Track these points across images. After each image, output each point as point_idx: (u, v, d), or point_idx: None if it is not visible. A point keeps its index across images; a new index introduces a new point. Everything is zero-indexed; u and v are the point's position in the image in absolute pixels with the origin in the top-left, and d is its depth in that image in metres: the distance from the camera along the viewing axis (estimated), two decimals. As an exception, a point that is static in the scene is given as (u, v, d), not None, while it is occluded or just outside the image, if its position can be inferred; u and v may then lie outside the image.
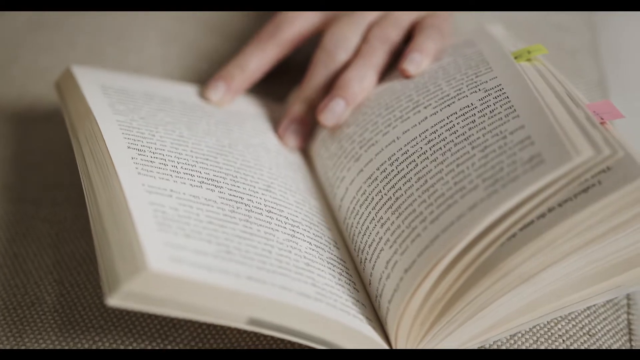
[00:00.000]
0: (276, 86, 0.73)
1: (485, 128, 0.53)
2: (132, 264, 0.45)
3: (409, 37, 0.68)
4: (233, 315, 0.47)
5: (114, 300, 0.44)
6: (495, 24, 0.67)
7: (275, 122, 0.69)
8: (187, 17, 0.82)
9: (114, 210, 0.49)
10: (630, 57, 0.85)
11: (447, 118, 0.56)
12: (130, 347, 0.55)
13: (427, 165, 0.54)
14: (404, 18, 0.68)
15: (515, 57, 0.58)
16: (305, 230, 0.57)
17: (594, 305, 0.56)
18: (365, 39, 0.67)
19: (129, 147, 0.56)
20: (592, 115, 0.50)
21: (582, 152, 0.47)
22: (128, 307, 0.45)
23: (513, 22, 0.77)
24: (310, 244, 0.56)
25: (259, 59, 0.69)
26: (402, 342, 0.51)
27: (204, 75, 0.74)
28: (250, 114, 0.68)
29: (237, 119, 0.66)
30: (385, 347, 0.51)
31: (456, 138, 0.54)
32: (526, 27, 0.78)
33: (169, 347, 0.55)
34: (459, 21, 0.75)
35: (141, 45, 0.79)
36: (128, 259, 0.46)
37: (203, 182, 0.56)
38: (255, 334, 0.55)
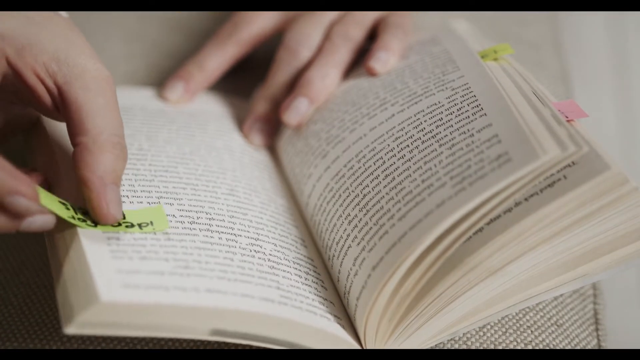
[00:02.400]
0: (240, 83, 0.73)
1: (452, 126, 0.53)
2: (84, 296, 0.45)
3: (371, 36, 0.68)
4: (195, 329, 0.47)
5: (70, 329, 0.44)
6: (459, 20, 0.68)
7: (240, 121, 0.68)
8: (150, 16, 0.81)
9: (67, 241, 0.49)
10: (592, 50, 0.86)
11: (415, 116, 0.56)
12: (99, 347, 0.55)
13: (394, 163, 0.54)
14: (367, 16, 0.68)
15: (482, 57, 0.58)
16: (270, 231, 0.56)
17: (561, 296, 0.57)
18: (327, 36, 0.67)
19: None
20: (558, 113, 0.51)
21: (549, 151, 0.47)
22: (86, 334, 0.46)
23: (475, 16, 0.77)
24: (275, 245, 0.55)
25: (218, 58, 0.69)
26: (370, 338, 0.51)
27: (168, 73, 0.74)
28: (214, 113, 0.68)
29: (200, 121, 0.66)
30: (354, 343, 0.52)
31: (423, 136, 0.54)
32: (488, 21, 0.78)
33: (139, 347, 0.55)
34: (421, 18, 0.75)
35: (104, 44, 0.78)
36: (80, 290, 0.46)
37: (161, 196, 0.55)
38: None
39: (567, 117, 0.52)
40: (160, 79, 0.73)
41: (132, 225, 0.51)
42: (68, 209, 0.49)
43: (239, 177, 0.60)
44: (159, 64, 0.77)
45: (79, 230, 0.49)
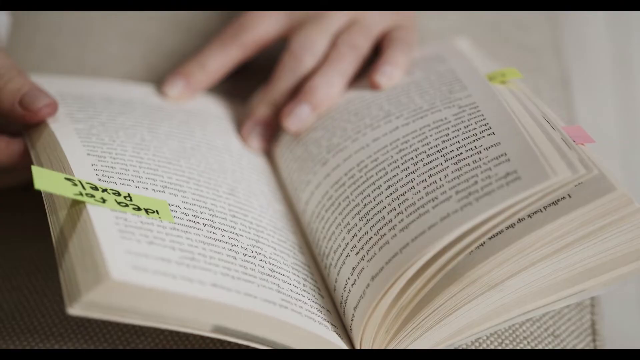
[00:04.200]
0: (240, 85, 0.73)
1: (459, 142, 0.53)
2: (93, 274, 0.45)
3: (376, 49, 0.68)
4: (198, 323, 0.47)
5: (75, 310, 0.44)
6: (462, 39, 0.68)
7: (239, 123, 0.68)
8: (149, 15, 0.80)
9: (74, 219, 0.49)
10: (594, 53, 0.86)
11: (420, 130, 0.56)
12: (94, 347, 0.55)
13: (397, 174, 0.54)
14: (373, 27, 0.68)
15: (489, 79, 0.59)
16: (269, 235, 0.56)
17: (558, 306, 0.57)
18: (333, 45, 0.67)
19: (88, 154, 0.55)
20: (568, 136, 0.51)
21: (559, 172, 0.47)
22: (90, 316, 0.45)
23: (475, 19, 0.77)
24: (274, 249, 0.55)
25: (220, 59, 0.68)
26: (366, 348, 0.51)
27: (167, 74, 0.73)
28: (213, 114, 0.68)
29: (200, 120, 0.66)
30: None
31: (429, 149, 0.54)
32: (488, 24, 0.78)
33: (140, 347, 0.55)
34: (421, 18, 0.74)
35: (102, 44, 0.78)
36: (89, 268, 0.45)
37: (166, 186, 0.55)
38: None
39: (574, 141, 0.52)
40: (159, 80, 0.72)
41: (139, 209, 0.51)
42: (75, 184, 0.49)
43: (238, 178, 0.60)
44: (157, 64, 0.77)
45: (88, 206, 0.49)
